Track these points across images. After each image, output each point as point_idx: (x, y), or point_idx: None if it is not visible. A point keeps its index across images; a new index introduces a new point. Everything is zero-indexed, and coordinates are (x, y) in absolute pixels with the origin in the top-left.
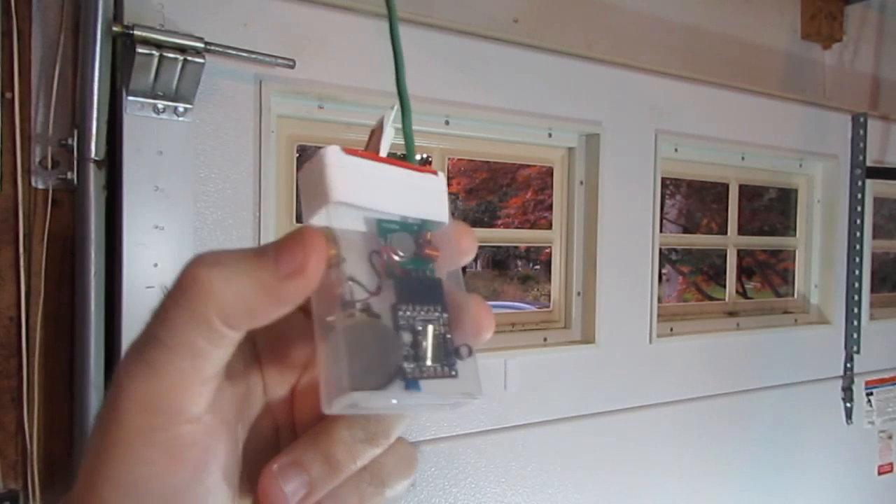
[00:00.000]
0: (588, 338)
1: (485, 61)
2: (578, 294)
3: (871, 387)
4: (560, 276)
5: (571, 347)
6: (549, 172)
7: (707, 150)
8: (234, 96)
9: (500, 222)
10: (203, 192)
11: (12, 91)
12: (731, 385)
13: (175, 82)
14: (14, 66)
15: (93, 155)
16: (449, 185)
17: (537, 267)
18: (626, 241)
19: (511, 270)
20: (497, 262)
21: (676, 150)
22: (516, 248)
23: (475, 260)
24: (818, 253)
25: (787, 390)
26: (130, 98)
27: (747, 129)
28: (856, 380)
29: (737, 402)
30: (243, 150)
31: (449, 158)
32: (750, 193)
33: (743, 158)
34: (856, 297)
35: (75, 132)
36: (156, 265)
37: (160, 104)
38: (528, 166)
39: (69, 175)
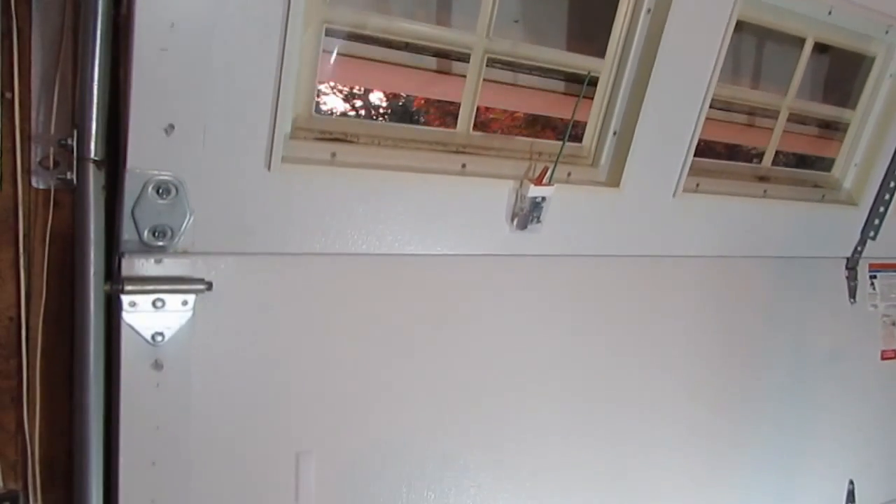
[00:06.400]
0: (613, 181)
1: None
2: (614, 134)
3: (874, 270)
4: (600, 110)
5: (595, 189)
6: None
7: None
8: None
9: None
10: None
11: (12, 91)
12: (744, 249)
13: None
14: (14, 66)
15: (93, 155)
16: None
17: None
18: (679, 83)
19: None
20: None
21: None
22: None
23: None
24: (871, 130)
25: (798, 262)
26: None
27: None
28: (861, 262)
29: (748, 266)
30: None
31: None
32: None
33: (830, 13)
34: (892, 184)
35: (75, 132)
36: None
37: None
38: None
39: (69, 175)
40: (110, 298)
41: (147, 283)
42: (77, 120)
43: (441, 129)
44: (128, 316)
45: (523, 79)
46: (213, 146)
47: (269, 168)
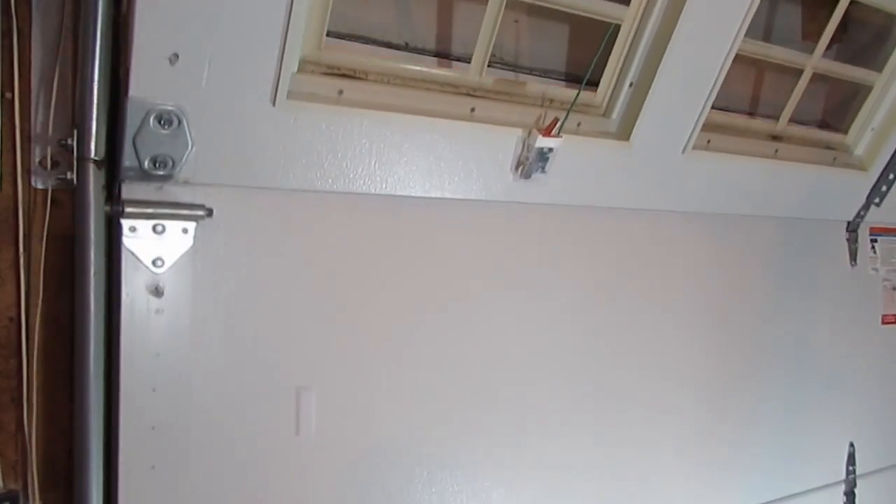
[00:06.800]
0: (623, 135)
1: None
2: (630, 85)
3: (875, 234)
4: (618, 60)
5: (604, 142)
6: None
7: None
8: None
9: None
10: None
11: (12, 91)
12: (749, 208)
13: None
14: (14, 66)
15: (92, 155)
16: None
17: None
18: (705, 36)
19: None
20: None
21: None
22: None
23: None
24: (894, 95)
25: (799, 223)
26: None
27: None
28: (862, 226)
29: (751, 225)
30: None
31: None
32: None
33: None
34: None
35: (75, 132)
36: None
37: None
38: None
39: (69, 175)
40: (111, 222)
41: (147, 206)
42: (77, 120)
43: (453, 70)
44: (128, 241)
45: (524, 78)
46: (217, 78)
47: (273, 103)
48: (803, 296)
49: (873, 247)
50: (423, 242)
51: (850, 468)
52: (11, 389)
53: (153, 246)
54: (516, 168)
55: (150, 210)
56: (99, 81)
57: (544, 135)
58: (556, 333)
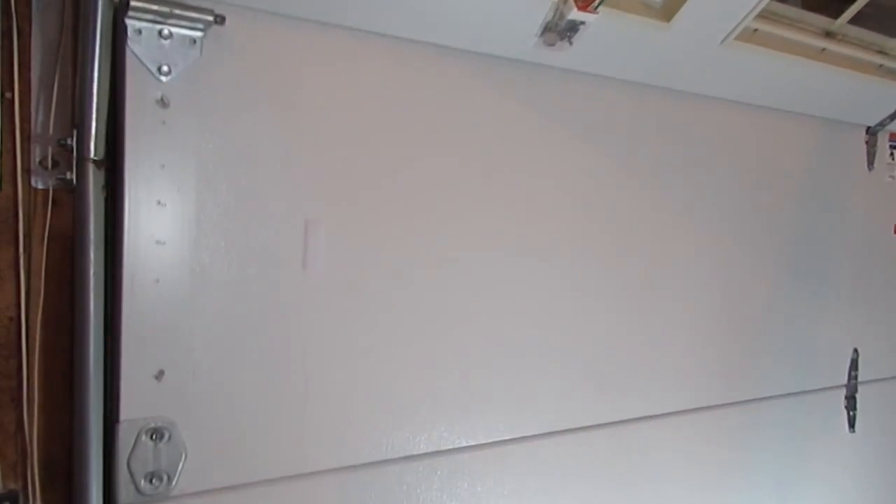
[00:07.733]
0: (667, 14)
1: None
2: None
3: (894, 141)
4: None
5: (642, 20)
6: None
7: None
8: None
9: None
10: None
11: (12, 91)
12: (776, 101)
13: None
14: (14, 66)
15: (92, 155)
16: None
17: None
18: None
19: None
20: None
21: None
22: None
23: None
24: None
25: (820, 122)
26: None
27: None
28: (882, 132)
29: (775, 119)
30: None
31: None
32: None
33: None
34: None
35: (75, 132)
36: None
37: None
38: None
39: (69, 175)
40: (115, 27)
41: (153, 2)
42: (77, 120)
43: None
44: (133, 45)
45: None
46: None
47: None
48: (820, 196)
49: (892, 153)
50: (431, 89)
51: (853, 373)
52: (11, 389)
53: (159, 52)
54: (542, 34)
55: (155, 7)
56: (99, 81)
57: (580, 8)
58: (557, 195)
